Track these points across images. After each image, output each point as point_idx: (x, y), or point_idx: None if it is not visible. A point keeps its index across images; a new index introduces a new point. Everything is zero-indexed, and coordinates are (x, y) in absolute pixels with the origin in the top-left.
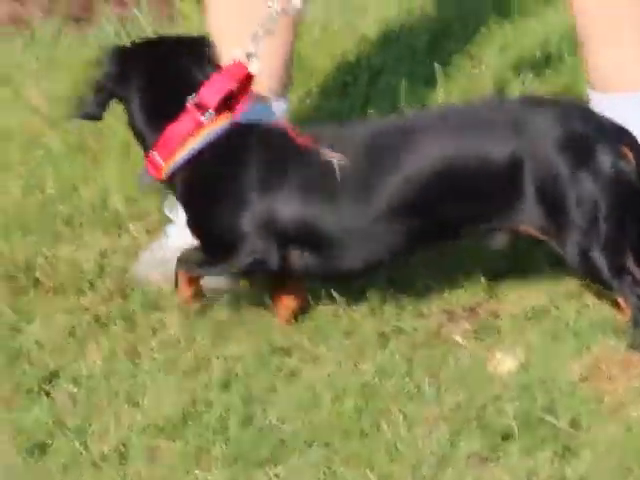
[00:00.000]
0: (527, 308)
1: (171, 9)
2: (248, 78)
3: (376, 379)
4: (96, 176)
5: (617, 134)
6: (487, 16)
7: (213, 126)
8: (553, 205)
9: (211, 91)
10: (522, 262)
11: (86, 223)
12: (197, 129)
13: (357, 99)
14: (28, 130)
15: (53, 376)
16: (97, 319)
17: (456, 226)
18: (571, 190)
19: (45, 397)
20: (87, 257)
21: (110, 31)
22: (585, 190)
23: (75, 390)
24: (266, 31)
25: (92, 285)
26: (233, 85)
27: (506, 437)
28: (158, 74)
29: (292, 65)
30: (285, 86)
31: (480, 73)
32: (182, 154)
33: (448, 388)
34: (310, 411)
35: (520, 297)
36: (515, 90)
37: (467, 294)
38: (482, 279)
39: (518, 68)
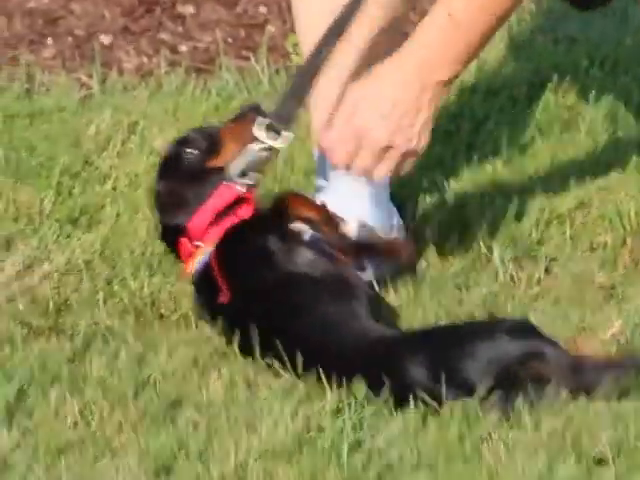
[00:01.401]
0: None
1: (287, 61)
2: (239, 199)
3: (478, 410)
4: None
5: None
6: (582, 68)
7: (197, 257)
8: None
9: (197, 222)
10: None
11: None
12: (190, 258)
13: (460, 146)
14: (154, 175)
15: (177, 404)
16: (218, 350)
17: None
18: None
19: (170, 423)
20: None
21: (230, 82)
22: None
23: (198, 417)
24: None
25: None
26: (213, 214)
27: (600, 463)
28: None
29: None
30: None
31: (575, 123)
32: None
33: (546, 418)
34: (416, 437)
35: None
36: (610, 140)
37: (565, 328)
38: (577, 315)
39: (612, 118)
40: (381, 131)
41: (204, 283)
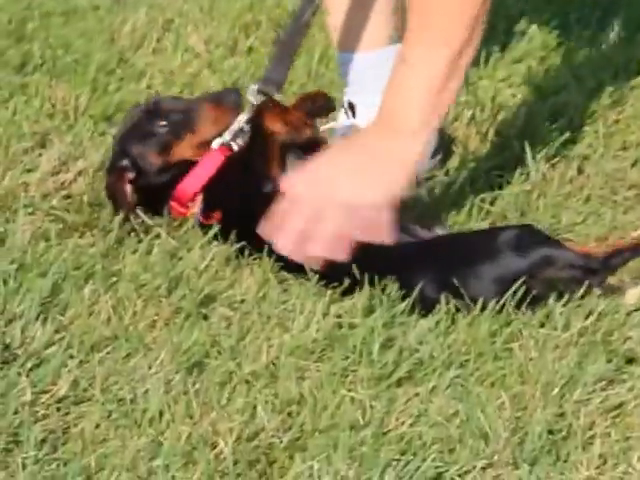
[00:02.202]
0: None
1: None
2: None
3: (510, 309)
4: None
5: None
6: None
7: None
8: None
9: (187, 186)
10: None
11: None
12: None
13: (495, 45)
14: (189, 72)
15: (210, 300)
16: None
17: None
18: None
19: (202, 320)
20: None
21: None
22: None
23: (230, 314)
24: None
25: None
26: (208, 176)
27: (630, 361)
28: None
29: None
30: (398, 30)
31: (610, 21)
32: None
33: (577, 316)
34: (447, 334)
35: None
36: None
37: (597, 227)
38: (609, 213)
39: None
40: (347, 190)
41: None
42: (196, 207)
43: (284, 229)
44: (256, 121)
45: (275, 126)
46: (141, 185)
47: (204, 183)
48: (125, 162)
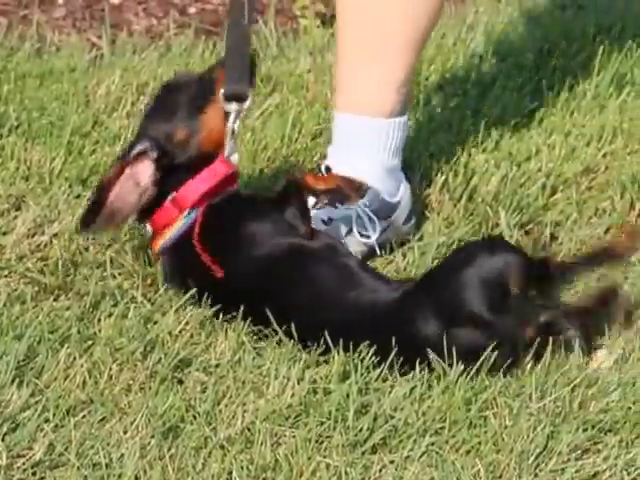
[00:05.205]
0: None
1: (294, 24)
2: (231, 175)
3: (484, 375)
4: None
5: None
6: (590, 35)
7: (181, 221)
8: None
9: (188, 191)
10: None
11: None
12: (172, 222)
13: (467, 111)
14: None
15: (185, 365)
16: (225, 312)
17: None
18: None
19: (178, 384)
20: None
21: None
22: None
23: (205, 378)
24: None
25: None
26: (209, 186)
27: (605, 431)
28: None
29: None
30: (407, 102)
31: (582, 89)
32: (160, 242)
33: (552, 385)
34: (422, 401)
35: None
36: (616, 106)
37: (569, 293)
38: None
39: (618, 84)
40: None
41: (183, 254)
42: (183, 219)
43: None
44: None
45: None
46: (163, 165)
47: (203, 192)
48: (146, 144)
